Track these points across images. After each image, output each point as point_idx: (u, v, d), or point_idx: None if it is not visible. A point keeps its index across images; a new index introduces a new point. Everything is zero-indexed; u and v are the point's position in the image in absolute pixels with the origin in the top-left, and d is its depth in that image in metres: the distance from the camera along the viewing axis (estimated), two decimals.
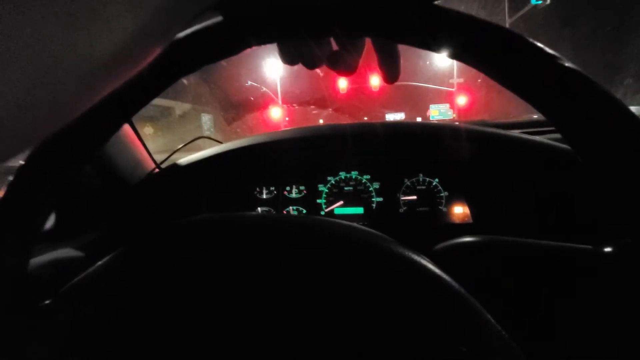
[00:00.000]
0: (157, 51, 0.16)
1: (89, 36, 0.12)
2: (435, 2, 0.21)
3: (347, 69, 0.27)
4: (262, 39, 0.24)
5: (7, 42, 0.10)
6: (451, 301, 0.21)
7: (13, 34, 0.10)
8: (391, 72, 0.28)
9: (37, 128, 0.13)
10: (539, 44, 0.20)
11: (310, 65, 0.27)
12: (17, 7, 0.10)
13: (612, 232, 0.26)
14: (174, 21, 0.16)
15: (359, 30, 0.24)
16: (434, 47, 0.22)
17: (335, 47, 0.28)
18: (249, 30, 0.24)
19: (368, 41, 0.27)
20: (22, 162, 0.25)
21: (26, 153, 0.25)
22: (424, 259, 0.22)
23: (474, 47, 0.21)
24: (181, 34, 0.24)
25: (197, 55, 0.25)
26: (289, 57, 0.27)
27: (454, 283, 0.21)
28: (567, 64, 0.19)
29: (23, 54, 0.11)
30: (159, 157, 0.75)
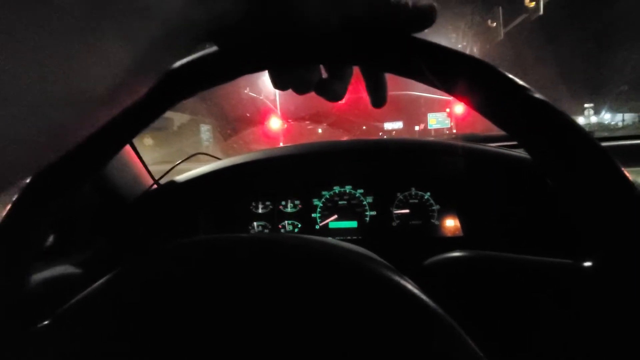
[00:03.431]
0: (152, 81, 0.17)
1: (85, 70, 0.13)
2: (413, 35, 0.23)
3: (335, 97, 0.29)
4: (255, 68, 0.26)
5: (6, 74, 0.11)
6: (429, 323, 0.21)
7: (13, 67, 0.11)
8: (377, 98, 0.30)
9: (35, 157, 0.14)
10: (510, 75, 0.22)
11: (300, 91, 0.29)
12: (16, 45, 0.11)
13: (588, 246, 0.27)
14: (168, 53, 0.17)
15: (342, 59, 0.25)
16: (413, 76, 0.23)
17: (324, 74, 0.29)
18: (242, 60, 0.25)
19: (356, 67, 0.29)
20: (24, 183, 0.26)
21: (24, 181, 0.26)
22: (404, 279, 0.23)
23: (448, 77, 0.22)
24: (177, 64, 0.25)
25: (192, 83, 0.26)
26: (279, 83, 0.28)
27: (432, 304, 0.22)
28: (535, 95, 0.21)
29: (21, 87, 0.11)
30: (159, 169, 0.76)
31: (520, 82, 0.21)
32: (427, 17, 0.23)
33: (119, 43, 0.13)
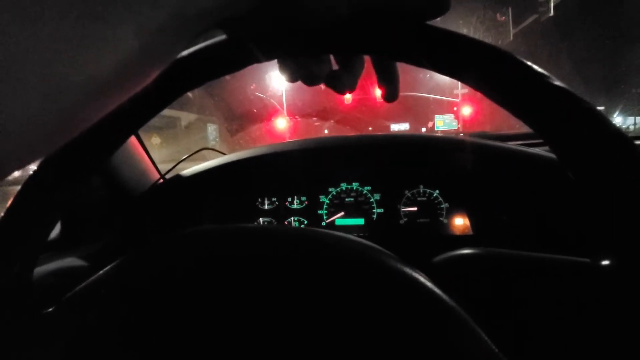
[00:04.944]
0: (162, 68, 0.17)
1: (97, 57, 0.13)
2: (427, 22, 0.22)
3: (345, 89, 0.28)
4: (263, 57, 0.25)
5: (21, 63, 0.11)
6: (443, 317, 0.21)
7: (27, 56, 0.11)
8: (390, 91, 0.29)
9: (47, 142, 0.14)
10: (529, 63, 0.21)
11: (310, 82, 0.28)
12: (31, 31, 0.11)
13: (604, 246, 0.26)
14: (179, 41, 0.17)
15: (353, 49, 0.25)
16: (428, 65, 0.23)
17: (335, 66, 0.29)
18: (250, 49, 0.25)
19: (368, 60, 0.28)
20: (30, 173, 0.26)
21: (35, 165, 0.26)
22: (417, 273, 0.22)
23: (464, 65, 0.22)
24: (185, 52, 0.25)
25: (200, 72, 0.26)
26: (289, 74, 0.28)
27: (447, 298, 0.21)
28: (555, 83, 0.20)
29: (35, 74, 0.11)
30: (165, 167, 0.76)
31: (540, 70, 0.21)
32: (441, 4, 0.22)
33: (130, 30, 0.13)
